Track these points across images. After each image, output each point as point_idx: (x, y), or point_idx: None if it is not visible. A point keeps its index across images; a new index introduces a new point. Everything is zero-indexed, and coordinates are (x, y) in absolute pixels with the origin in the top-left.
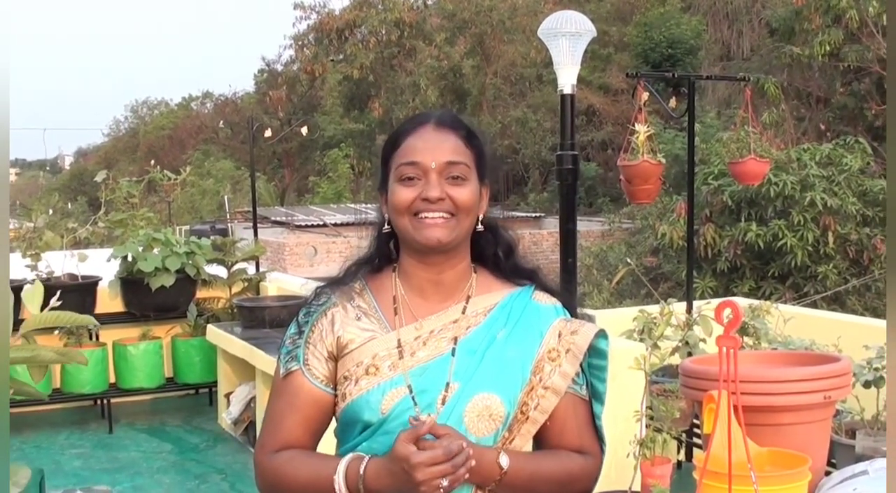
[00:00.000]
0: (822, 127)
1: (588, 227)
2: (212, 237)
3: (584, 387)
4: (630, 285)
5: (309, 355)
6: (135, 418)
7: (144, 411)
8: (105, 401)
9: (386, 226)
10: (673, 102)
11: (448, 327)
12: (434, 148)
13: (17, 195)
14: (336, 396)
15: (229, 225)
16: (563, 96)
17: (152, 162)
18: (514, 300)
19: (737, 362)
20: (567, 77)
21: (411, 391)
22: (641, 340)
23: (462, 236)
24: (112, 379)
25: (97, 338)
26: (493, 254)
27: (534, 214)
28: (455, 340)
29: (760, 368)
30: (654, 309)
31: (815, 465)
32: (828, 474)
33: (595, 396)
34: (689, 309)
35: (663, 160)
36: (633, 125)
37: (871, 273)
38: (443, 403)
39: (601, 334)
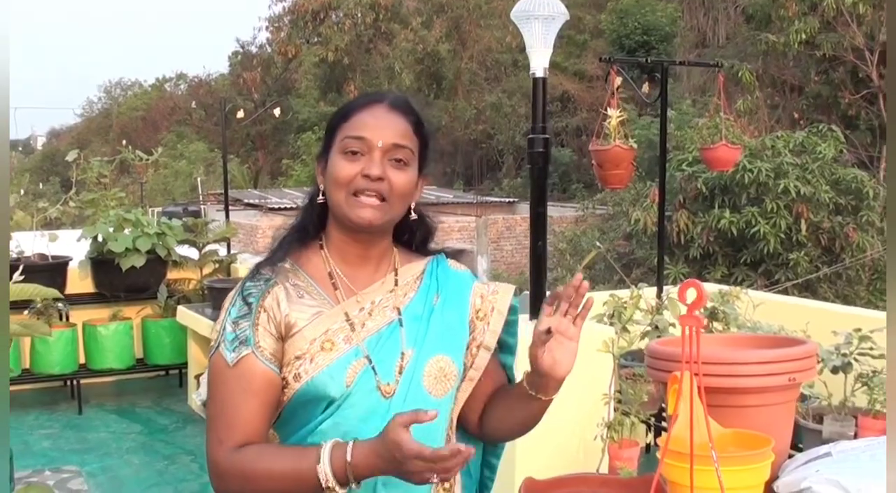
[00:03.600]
0: (796, 115)
1: (562, 212)
2: (184, 219)
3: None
4: (603, 270)
5: (259, 338)
6: (104, 399)
7: (114, 392)
8: (75, 382)
9: (321, 197)
10: (646, 88)
11: (387, 297)
12: (384, 127)
13: None
14: (283, 378)
15: (202, 207)
16: (535, 80)
17: (124, 142)
18: (436, 267)
19: (699, 341)
20: (539, 60)
21: (371, 362)
22: (612, 324)
23: (392, 221)
24: (82, 360)
25: (67, 318)
26: (408, 237)
27: (507, 200)
28: (398, 309)
29: (726, 350)
30: (624, 294)
31: (779, 446)
32: (792, 456)
33: (507, 349)
34: (660, 293)
35: (635, 145)
36: (606, 110)
37: (842, 261)
38: (400, 371)
39: (516, 292)
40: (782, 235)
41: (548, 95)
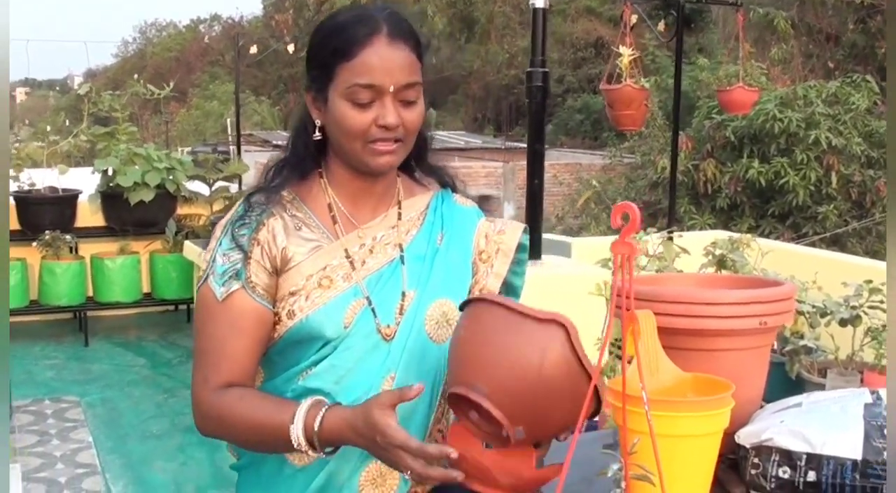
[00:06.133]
0: (831, 65)
1: (591, 160)
2: (200, 156)
3: None
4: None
5: (251, 272)
6: (112, 332)
7: (123, 325)
8: (82, 314)
9: (317, 134)
10: (661, 26)
11: (389, 233)
12: (391, 68)
13: (26, 114)
14: (275, 314)
15: (231, 147)
16: (534, 10)
17: (135, 76)
18: (440, 203)
19: (632, 270)
20: None
21: (370, 303)
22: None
23: (406, 156)
24: (90, 293)
25: (76, 251)
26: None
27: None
28: (400, 247)
29: (693, 289)
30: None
31: (751, 394)
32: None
33: (512, 291)
34: (671, 239)
35: (647, 85)
36: (618, 49)
37: (872, 216)
38: (401, 312)
39: (525, 230)
40: (812, 188)
41: (580, 40)
